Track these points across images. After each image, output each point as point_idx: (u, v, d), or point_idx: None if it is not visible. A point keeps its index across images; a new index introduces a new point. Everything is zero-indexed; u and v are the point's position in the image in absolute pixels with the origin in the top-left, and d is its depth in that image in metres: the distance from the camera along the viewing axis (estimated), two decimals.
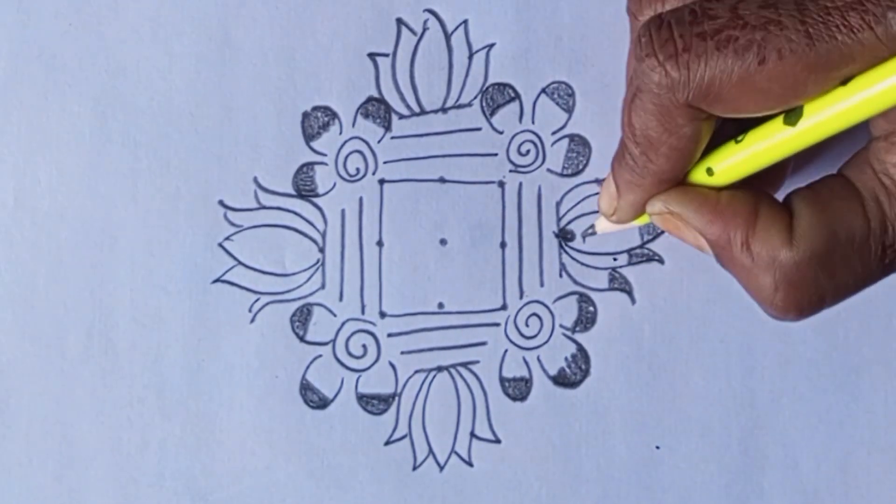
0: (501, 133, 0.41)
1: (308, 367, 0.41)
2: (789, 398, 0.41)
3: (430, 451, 0.41)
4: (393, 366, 0.41)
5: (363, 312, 0.41)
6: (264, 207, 0.40)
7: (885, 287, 0.38)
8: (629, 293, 0.41)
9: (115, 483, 0.40)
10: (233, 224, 0.40)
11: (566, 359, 0.41)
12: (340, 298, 0.41)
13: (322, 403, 0.41)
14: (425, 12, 0.41)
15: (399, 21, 0.41)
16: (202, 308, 0.40)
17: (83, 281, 0.40)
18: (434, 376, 0.41)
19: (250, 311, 0.40)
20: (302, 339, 0.41)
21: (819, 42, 0.30)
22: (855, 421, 0.41)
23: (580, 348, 0.41)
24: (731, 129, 0.34)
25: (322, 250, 0.41)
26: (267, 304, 0.40)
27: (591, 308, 0.41)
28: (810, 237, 0.32)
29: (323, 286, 0.41)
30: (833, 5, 0.30)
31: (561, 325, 0.41)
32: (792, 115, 0.32)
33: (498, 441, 0.41)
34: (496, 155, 0.41)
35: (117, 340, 0.40)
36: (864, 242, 0.32)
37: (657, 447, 0.41)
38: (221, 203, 0.40)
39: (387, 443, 0.41)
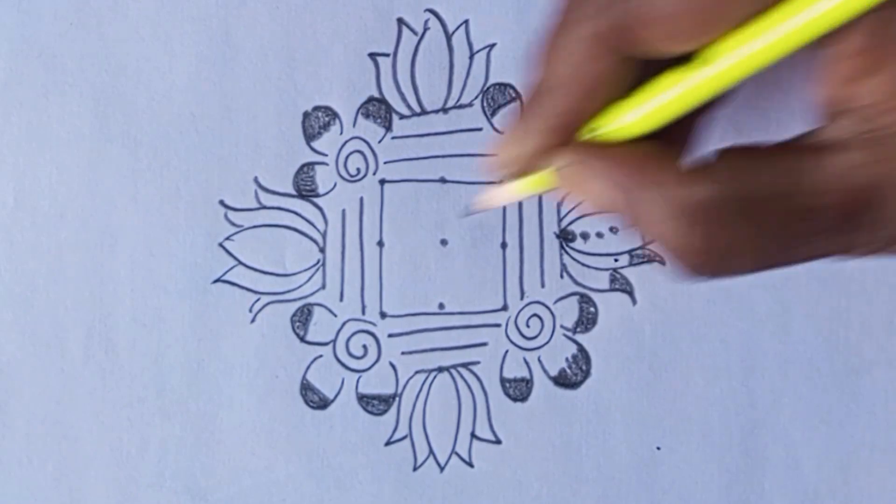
0: (502, 133, 0.41)
1: (308, 368, 0.41)
2: (789, 398, 0.41)
3: (431, 451, 0.41)
4: (393, 366, 0.41)
5: (364, 313, 0.41)
6: (265, 207, 0.40)
7: (886, 287, 0.38)
8: (630, 294, 0.41)
9: (115, 483, 0.40)
10: (233, 224, 0.40)
11: (567, 359, 0.41)
12: (341, 299, 0.41)
13: (322, 404, 0.41)
14: (426, 12, 0.41)
15: (400, 21, 0.41)
16: (202, 308, 0.40)
17: (83, 281, 0.40)
18: (434, 377, 0.41)
19: (251, 311, 0.40)
20: (302, 339, 0.41)
21: None
22: (855, 421, 0.41)
23: (581, 349, 0.41)
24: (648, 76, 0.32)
25: (322, 250, 0.41)
26: (267, 304, 0.40)
27: (592, 309, 0.41)
28: (724, 188, 0.30)
29: (323, 286, 0.41)
30: None
31: (562, 326, 0.41)
32: (704, 53, 0.30)
33: (498, 442, 0.41)
34: (497, 155, 0.41)
35: (117, 340, 0.40)
36: (785, 200, 0.29)
37: (658, 448, 0.41)
38: (222, 203, 0.40)
39: (387, 443, 0.41)
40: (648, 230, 0.31)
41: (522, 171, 0.33)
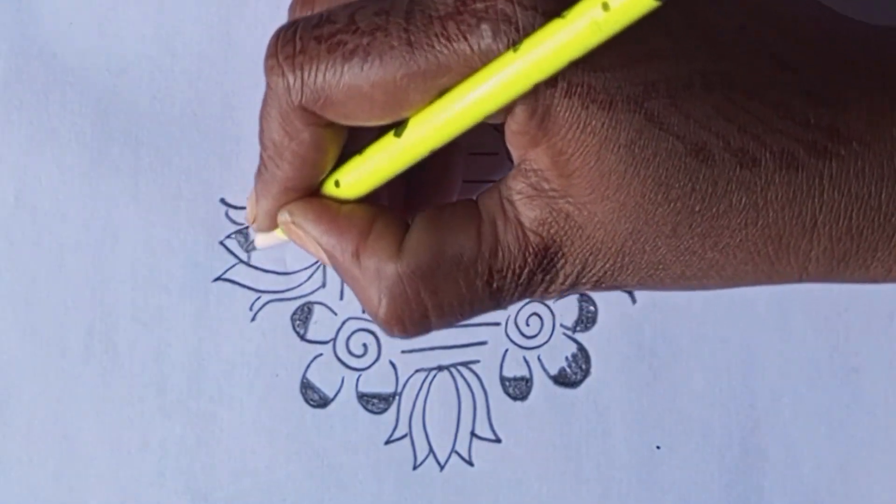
0: (501, 132, 0.41)
1: (308, 366, 0.41)
2: (789, 398, 0.41)
3: (431, 450, 0.41)
4: (393, 365, 0.41)
5: (364, 311, 0.41)
6: None
7: (886, 287, 0.38)
8: (630, 293, 0.41)
9: (115, 483, 0.40)
10: (234, 222, 0.40)
11: (567, 358, 0.41)
12: (341, 297, 0.41)
13: (322, 402, 0.41)
14: None
15: None
16: (203, 306, 0.40)
17: (84, 279, 0.40)
18: (434, 375, 0.41)
19: (251, 309, 0.40)
20: (302, 337, 0.41)
21: (418, 50, 0.30)
22: (855, 421, 0.41)
23: (581, 348, 0.41)
24: (367, 142, 0.34)
25: None
26: (268, 302, 0.40)
27: (592, 307, 0.41)
28: (416, 252, 0.32)
29: (324, 285, 0.41)
30: (437, 14, 0.30)
31: (561, 325, 0.41)
32: (400, 126, 0.32)
33: (498, 440, 0.41)
34: (496, 154, 0.41)
35: (118, 339, 0.40)
36: (472, 264, 0.32)
37: (657, 447, 0.41)
38: (223, 201, 0.40)
39: (387, 442, 0.41)
40: (350, 287, 0.34)
41: (270, 226, 0.36)
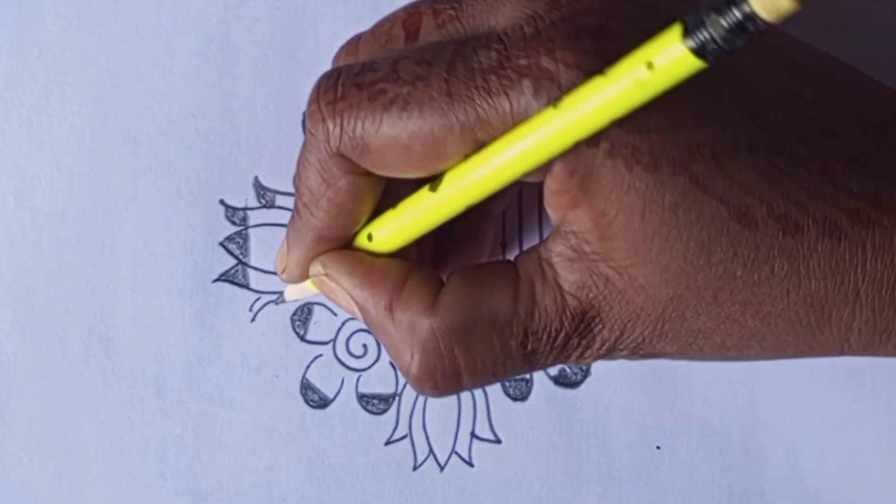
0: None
1: (308, 367, 0.41)
2: (790, 398, 0.41)
3: (431, 451, 0.41)
4: (393, 365, 0.41)
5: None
6: (265, 207, 0.41)
7: None
8: None
9: (115, 483, 0.40)
10: (233, 223, 0.40)
11: None
12: None
13: (322, 403, 0.41)
14: None
15: None
16: (203, 307, 0.40)
17: (84, 280, 0.40)
18: None
19: (251, 310, 0.40)
20: (302, 338, 0.41)
21: (458, 102, 0.30)
22: (856, 422, 0.41)
23: None
24: (401, 196, 0.33)
25: None
26: (267, 303, 0.40)
27: None
28: (451, 308, 0.32)
29: None
30: (479, 67, 0.30)
31: None
32: (436, 181, 0.31)
33: (498, 441, 0.41)
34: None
35: (118, 340, 0.40)
36: (507, 323, 0.32)
37: (658, 447, 0.41)
38: (222, 202, 0.40)
39: (387, 443, 0.41)
40: (381, 342, 0.34)
41: (300, 277, 0.35)
